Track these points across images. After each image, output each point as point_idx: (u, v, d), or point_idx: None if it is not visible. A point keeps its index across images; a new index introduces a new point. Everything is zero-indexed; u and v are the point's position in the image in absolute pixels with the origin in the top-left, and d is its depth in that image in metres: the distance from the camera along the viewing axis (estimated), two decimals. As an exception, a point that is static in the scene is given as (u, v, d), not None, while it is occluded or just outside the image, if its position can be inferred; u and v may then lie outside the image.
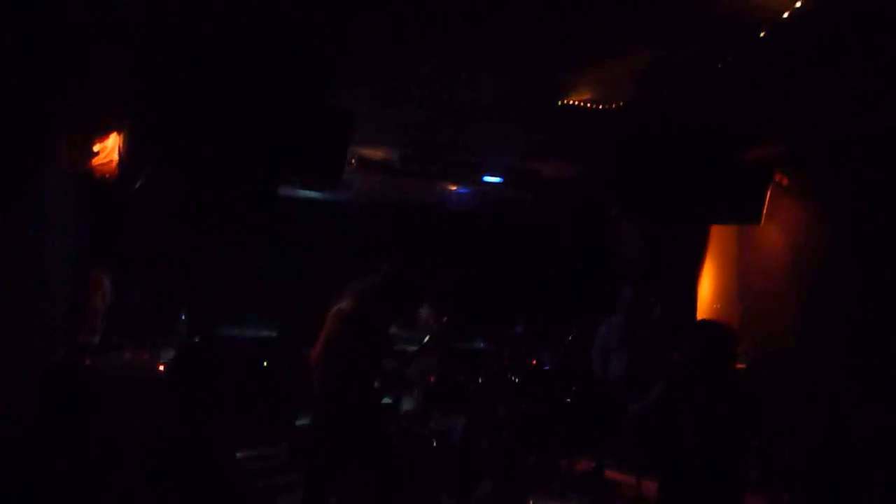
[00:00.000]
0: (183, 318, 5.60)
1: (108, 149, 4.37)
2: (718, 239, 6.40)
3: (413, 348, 5.42)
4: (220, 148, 4.42)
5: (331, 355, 4.23)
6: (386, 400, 5.25)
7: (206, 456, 3.07)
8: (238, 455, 5.58)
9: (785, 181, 5.65)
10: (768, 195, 5.69)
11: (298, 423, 5.87)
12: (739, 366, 5.75)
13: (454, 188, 6.77)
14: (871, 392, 4.34)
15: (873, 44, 3.40)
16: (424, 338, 5.44)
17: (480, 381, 5.62)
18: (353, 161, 5.65)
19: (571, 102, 4.52)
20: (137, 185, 4.70)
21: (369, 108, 4.78)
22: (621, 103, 4.42)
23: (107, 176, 4.45)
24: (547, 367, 5.90)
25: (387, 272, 4.42)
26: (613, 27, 3.47)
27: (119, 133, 4.36)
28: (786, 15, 3.05)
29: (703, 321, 4.81)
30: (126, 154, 4.41)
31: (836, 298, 5.14)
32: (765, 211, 5.69)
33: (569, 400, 5.90)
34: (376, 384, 4.77)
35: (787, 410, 5.07)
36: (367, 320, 4.31)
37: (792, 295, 5.60)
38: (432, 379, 5.52)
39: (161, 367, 5.39)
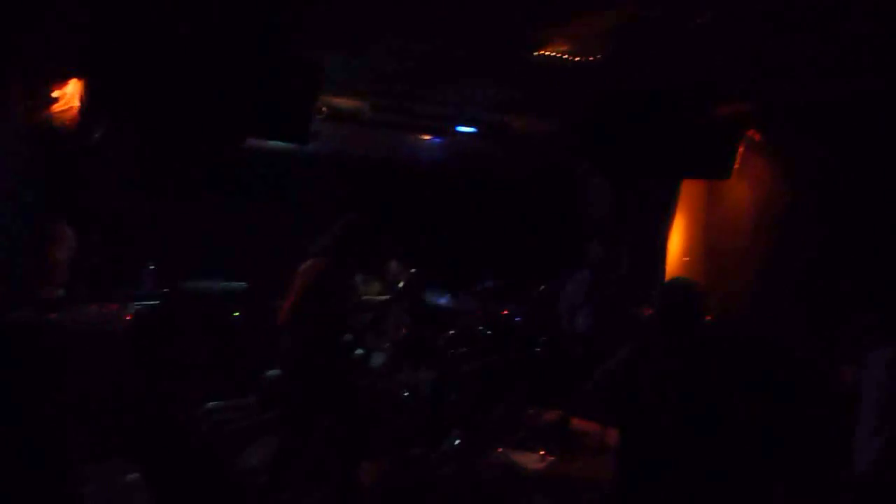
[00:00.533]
0: (151, 268, 5.53)
1: (68, 95, 4.20)
2: (688, 194, 6.44)
3: (383, 300, 5.43)
4: (182, 98, 4.27)
5: (299, 313, 4.22)
6: (358, 351, 5.28)
7: (163, 411, 3.08)
8: (208, 406, 5.62)
9: (758, 137, 5.67)
10: (740, 151, 5.72)
11: (268, 374, 5.89)
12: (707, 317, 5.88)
13: (426, 139, 6.67)
14: (830, 348, 4.46)
15: (847, 10, 3.38)
16: (394, 291, 5.45)
17: (450, 334, 5.67)
18: (323, 109, 5.51)
19: (547, 54, 4.44)
20: (98, 135, 4.54)
21: (339, 57, 4.64)
22: (598, 56, 4.35)
23: (66, 124, 4.30)
24: (518, 319, 5.95)
25: (348, 225, 4.39)
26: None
27: (80, 79, 4.19)
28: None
29: (673, 278, 4.87)
30: (86, 102, 4.25)
31: (800, 254, 5.25)
32: (736, 166, 5.73)
33: (537, 350, 6.00)
34: (348, 337, 4.80)
35: (749, 363, 5.21)
36: (332, 276, 4.30)
37: (756, 250, 5.69)
38: (403, 331, 5.54)
39: (128, 317, 5.34)
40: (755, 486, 3.70)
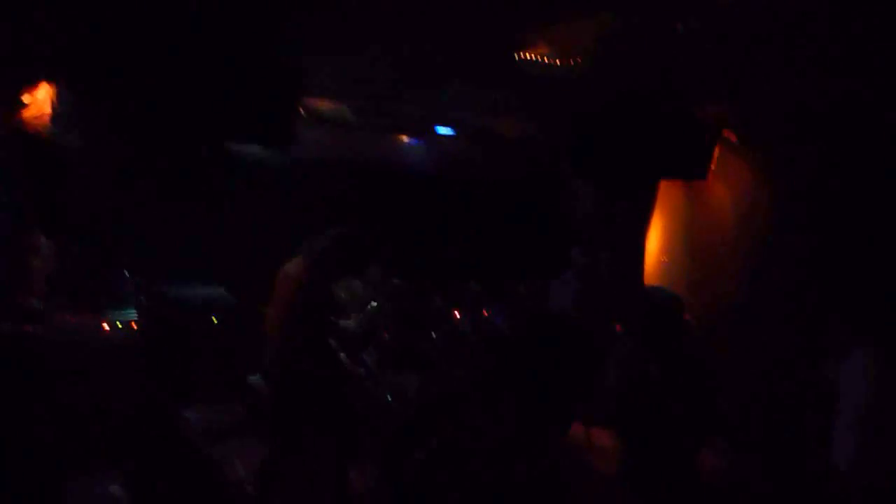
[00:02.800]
0: (128, 276, 5.43)
1: (40, 101, 4.11)
2: (667, 194, 6.50)
3: (367, 306, 5.40)
4: (159, 102, 4.20)
5: (284, 321, 4.18)
6: (343, 356, 5.25)
7: (154, 420, 3.04)
8: (190, 414, 5.54)
9: (734, 138, 5.74)
10: (717, 152, 5.79)
11: (251, 379, 5.82)
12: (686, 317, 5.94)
13: (406, 140, 6.66)
14: (816, 349, 4.52)
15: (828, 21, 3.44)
16: (377, 296, 5.43)
17: (433, 337, 5.67)
18: (299, 111, 5.46)
19: (530, 57, 4.45)
20: (72, 141, 4.45)
21: (321, 60, 4.60)
22: (579, 60, 4.38)
23: (39, 130, 4.21)
24: (499, 321, 5.96)
25: (335, 237, 4.36)
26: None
27: (50, 84, 4.10)
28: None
29: (650, 289, 4.92)
30: (59, 107, 4.16)
31: (781, 254, 5.32)
32: (712, 167, 5.80)
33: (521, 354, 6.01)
34: (333, 344, 4.76)
35: (732, 365, 5.28)
36: (315, 283, 4.27)
37: (739, 250, 5.76)
38: (386, 336, 5.52)
39: (106, 328, 5.25)
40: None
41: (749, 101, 5.29)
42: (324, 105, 5.61)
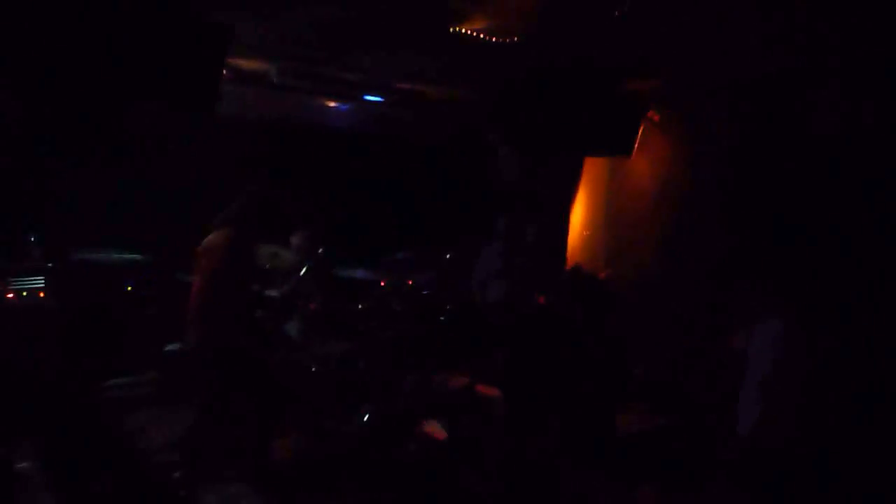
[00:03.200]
0: (32, 240, 5.11)
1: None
2: (591, 168, 6.66)
3: (293, 275, 5.32)
4: (71, 60, 3.90)
5: (209, 293, 4.08)
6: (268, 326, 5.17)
7: (66, 388, 2.94)
8: (105, 383, 5.35)
9: (657, 117, 5.92)
10: (641, 129, 5.96)
11: (168, 348, 5.65)
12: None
13: (333, 104, 6.48)
14: (724, 317, 4.79)
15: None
16: (302, 264, 5.34)
17: (360, 307, 5.65)
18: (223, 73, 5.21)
19: (463, 31, 4.40)
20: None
21: (246, 18, 4.39)
22: (514, 38, 4.36)
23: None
24: (426, 292, 6.00)
25: (249, 196, 4.27)
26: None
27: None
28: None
29: (573, 269, 5.14)
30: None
31: (697, 229, 5.58)
32: (636, 144, 5.97)
33: (442, 319, 6.09)
34: (259, 313, 4.68)
35: (647, 332, 5.53)
36: (238, 251, 4.18)
37: (656, 224, 6.00)
38: (312, 306, 5.45)
39: (10, 295, 4.94)
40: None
41: (674, 79, 5.45)
42: (249, 65, 5.37)
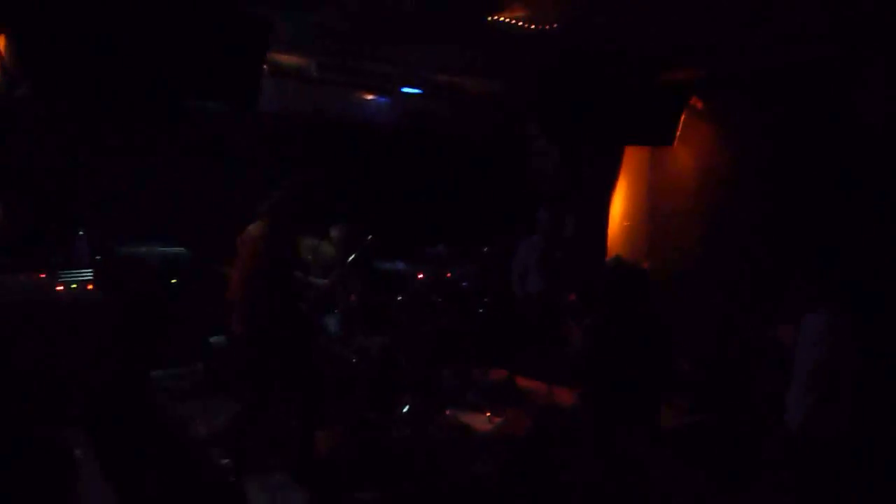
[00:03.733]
0: (81, 234, 5.23)
1: (-12, 54, 3.87)
2: (632, 159, 6.56)
3: (335, 268, 5.36)
4: (116, 55, 3.99)
5: (250, 284, 4.13)
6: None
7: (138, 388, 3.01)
8: (153, 375, 5.46)
9: (700, 105, 5.81)
10: (683, 118, 5.85)
11: (213, 340, 5.75)
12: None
13: (371, 98, 6.51)
14: (769, 307, 4.69)
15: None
16: (343, 257, 5.38)
17: (399, 299, 5.67)
18: (264, 68, 5.28)
19: (501, 19, 4.37)
20: (21, 93, 4.21)
21: (287, 14, 4.43)
22: (553, 25, 4.31)
23: (-12, 81, 3.98)
24: (465, 285, 5.99)
25: (289, 188, 4.30)
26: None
27: (2, 34, 3.86)
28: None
29: (614, 261, 5.07)
30: (10, 57, 3.92)
31: (742, 218, 5.46)
32: (678, 133, 5.86)
33: (481, 311, 6.09)
34: (302, 306, 4.72)
35: (689, 326, 5.44)
36: (278, 242, 4.22)
37: (698, 215, 5.89)
38: (353, 298, 5.49)
39: (59, 287, 5.07)
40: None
41: (716, 68, 5.34)
42: (289, 59, 5.43)
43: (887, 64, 4.57)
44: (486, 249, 6.04)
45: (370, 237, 5.25)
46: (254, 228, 4.28)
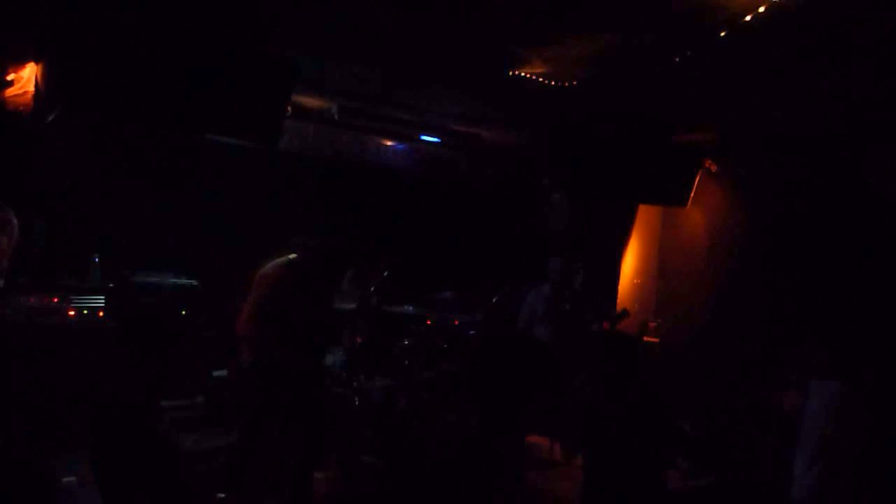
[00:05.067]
0: (95, 260, 5.30)
1: (24, 79, 4.00)
2: (644, 217, 6.61)
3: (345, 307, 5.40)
4: (144, 88, 4.10)
5: (262, 321, 4.15)
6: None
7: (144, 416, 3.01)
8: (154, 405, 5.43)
9: (714, 167, 5.87)
10: (697, 180, 5.90)
11: (215, 374, 5.74)
12: (654, 339, 6.06)
13: (389, 144, 6.63)
14: (776, 372, 4.64)
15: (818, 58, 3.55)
16: (351, 299, 5.42)
17: (405, 343, 5.66)
18: (287, 108, 5.40)
19: (522, 74, 4.47)
20: (50, 120, 4.33)
21: (311, 57, 4.56)
22: (574, 83, 4.41)
23: (20, 108, 4.10)
24: (471, 333, 5.98)
25: (316, 246, 4.33)
26: (576, 8, 3.44)
27: (37, 63, 4.00)
28: (748, 18, 3.11)
29: (610, 333, 5.11)
30: (43, 87, 4.05)
31: (752, 281, 5.45)
32: (692, 195, 5.91)
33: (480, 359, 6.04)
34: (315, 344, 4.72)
35: (694, 385, 5.39)
36: (302, 287, 4.25)
37: (709, 276, 5.89)
38: (359, 340, 5.49)
39: (71, 312, 5.11)
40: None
41: (730, 132, 5.41)
42: (311, 102, 5.55)
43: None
44: (494, 300, 6.04)
45: (386, 273, 5.30)
46: (274, 269, 4.30)
